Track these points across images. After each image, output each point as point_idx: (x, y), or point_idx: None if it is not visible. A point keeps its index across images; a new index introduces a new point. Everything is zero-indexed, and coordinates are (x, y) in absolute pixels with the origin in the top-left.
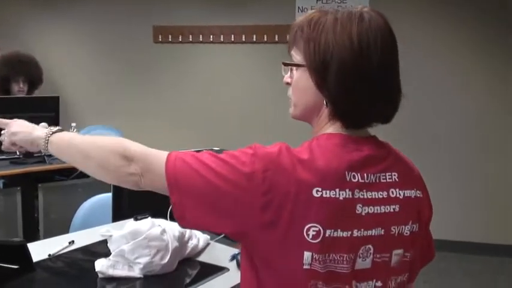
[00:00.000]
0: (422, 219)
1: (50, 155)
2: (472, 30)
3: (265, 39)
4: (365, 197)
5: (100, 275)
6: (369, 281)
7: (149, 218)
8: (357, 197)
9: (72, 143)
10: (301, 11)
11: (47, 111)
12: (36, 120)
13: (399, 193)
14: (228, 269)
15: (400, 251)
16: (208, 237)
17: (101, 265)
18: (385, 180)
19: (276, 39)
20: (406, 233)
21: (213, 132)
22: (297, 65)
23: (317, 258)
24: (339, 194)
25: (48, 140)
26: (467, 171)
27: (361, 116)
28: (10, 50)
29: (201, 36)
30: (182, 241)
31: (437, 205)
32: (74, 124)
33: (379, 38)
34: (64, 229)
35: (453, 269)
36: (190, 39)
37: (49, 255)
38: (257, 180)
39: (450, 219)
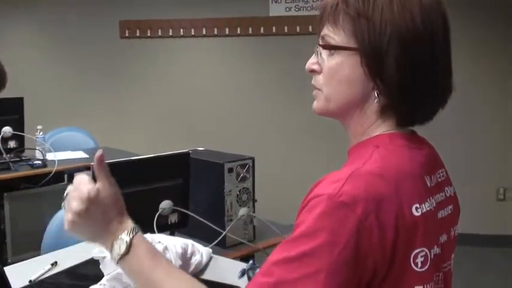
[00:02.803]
0: (458, 218)
1: (16, 162)
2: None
3: (239, 32)
4: (437, 201)
5: None
6: None
7: (148, 234)
8: (436, 203)
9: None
10: (275, 2)
11: (11, 113)
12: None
13: (451, 191)
14: None
15: (453, 255)
16: (210, 250)
17: None
18: (441, 179)
19: (250, 31)
20: (456, 234)
21: (186, 129)
22: (343, 48)
23: None
24: (431, 205)
25: (118, 260)
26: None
27: (417, 108)
28: None
29: (170, 30)
30: (185, 258)
31: None
32: (39, 127)
33: (442, 21)
34: (35, 242)
35: None
36: (160, 34)
37: (30, 281)
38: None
39: None
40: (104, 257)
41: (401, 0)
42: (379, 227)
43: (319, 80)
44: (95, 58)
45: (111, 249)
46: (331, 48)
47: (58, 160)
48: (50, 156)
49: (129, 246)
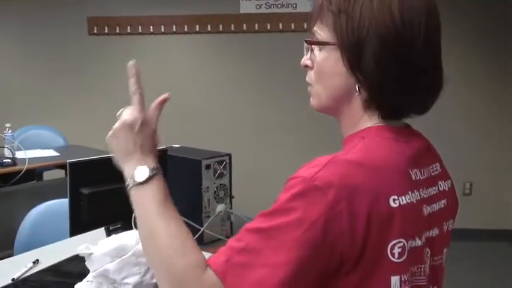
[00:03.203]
0: (455, 212)
1: None
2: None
3: (209, 29)
4: (426, 195)
5: None
6: None
7: (133, 230)
8: (422, 197)
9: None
10: (246, 0)
11: None
12: None
13: (445, 185)
14: None
15: (446, 250)
16: None
17: None
18: (434, 173)
19: (220, 29)
20: (450, 229)
21: (158, 130)
22: (325, 43)
23: (405, 279)
24: (412, 197)
25: (130, 188)
26: None
27: (400, 104)
28: None
29: (140, 27)
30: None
31: None
32: (8, 125)
33: (424, 18)
34: (7, 242)
35: None
36: (129, 31)
37: (13, 279)
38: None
39: None
40: (91, 254)
41: None
42: (350, 215)
43: (311, 76)
44: (64, 55)
45: (133, 172)
46: (314, 43)
47: (28, 158)
48: (19, 154)
49: (148, 178)
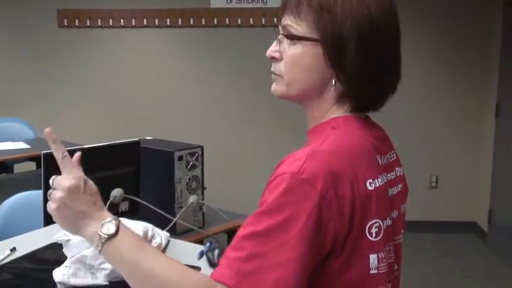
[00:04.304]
0: (407, 197)
1: None
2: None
3: (180, 23)
4: (388, 179)
5: (60, 286)
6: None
7: None
8: (386, 180)
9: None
10: None
11: None
12: None
13: (400, 171)
14: (199, 268)
15: (403, 231)
16: (168, 234)
17: (61, 275)
18: (391, 160)
19: (192, 23)
20: (405, 211)
21: (128, 120)
22: (306, 39)
23: (382, 257)
24: (382, 181)
25: (100, 248)
26: None
27: (374, 96)
28: None
29: (111, 20)
30: (146, 240)
31: None
32: None
33: (394, 14)
34: None
35: None
36: (99, 24)
37: None
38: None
39: None
40: (68, 240)
41: None
42: (338, 199)
43: (279, 67)
44: (33, 48)
45: (99, 231)
46: (295, 38)
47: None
48: None
49: (118, 229)
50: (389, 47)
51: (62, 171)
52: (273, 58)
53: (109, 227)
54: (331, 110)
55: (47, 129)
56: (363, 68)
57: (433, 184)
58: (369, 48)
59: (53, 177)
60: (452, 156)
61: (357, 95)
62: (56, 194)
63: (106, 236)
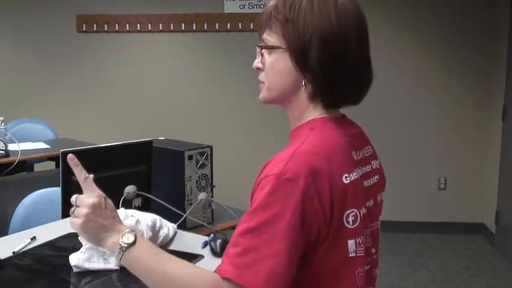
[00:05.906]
0: (385, 186)
1: None
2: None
3: (194, 28)
4: (364, 172)
5: (75, 269)
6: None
7: (122, 208)
8: (362, 173)
9: (151, 268)
10: (230, 0)
11: None
12: None
13: (376, 164)
14: (202, 256)
15: (380, 217)
16: (175, 225)
17: (76, 259)
18: (367, 154)
19: (206, 27)
20: (382, 199)
21: (144, 122)
22: (276, 48)
23: (360, 241)
24: (357, 174)
25: (121, 256)
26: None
27: (340, 94)
28: None
29: (127, 25)
30: (154, 230)
31: None
32: (1, 118)
33: (355, 21)
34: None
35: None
36: (117, 29)
37: (13, 252)
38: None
39: None
40: None
41: (319, 5)
42: (318, 195)
43: (263, 75)
44: (54, 52)
45: (120, 241)
46: (267, 48)
47: (21, 150)
48: (12, 146)
49: (136, 238)
50: (351, 52)
51: (83, 191)
52: (258, 68)
53: (128, 237)
54: (308, 110)
55: (69, 155)
56: (326, 70)
57: (442, 186)
58: (329, 52)
59: (75, 195)
60: (460, 158)
61: (324, 94)
62: (81, 211)
63: (126, 245)
